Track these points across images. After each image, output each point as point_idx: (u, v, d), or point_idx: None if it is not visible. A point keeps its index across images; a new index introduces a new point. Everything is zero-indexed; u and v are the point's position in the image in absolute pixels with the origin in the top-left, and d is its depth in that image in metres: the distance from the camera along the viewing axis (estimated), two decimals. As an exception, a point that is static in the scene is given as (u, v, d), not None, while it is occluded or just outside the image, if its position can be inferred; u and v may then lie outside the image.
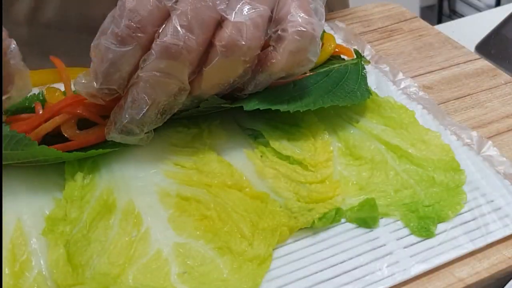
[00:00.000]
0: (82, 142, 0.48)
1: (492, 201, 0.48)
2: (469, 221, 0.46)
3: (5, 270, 0.41)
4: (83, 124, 0.49)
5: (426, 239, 0.45)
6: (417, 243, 0.45)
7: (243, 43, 0.45)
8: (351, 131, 0.53)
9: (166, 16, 0.44)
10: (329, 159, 0.50)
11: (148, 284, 0.41)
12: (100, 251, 0.42)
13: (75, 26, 0.68)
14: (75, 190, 0.46)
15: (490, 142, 0.53)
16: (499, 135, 0.55)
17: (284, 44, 0.46)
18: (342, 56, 0.60)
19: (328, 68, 0.55)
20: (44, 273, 0.41)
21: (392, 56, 0.66)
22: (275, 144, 0.50)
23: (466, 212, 0.47)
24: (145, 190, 0.46)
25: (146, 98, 0.45)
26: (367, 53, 0.65)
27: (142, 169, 0.48)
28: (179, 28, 0.43)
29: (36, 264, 0.42)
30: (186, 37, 0.43)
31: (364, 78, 0.56)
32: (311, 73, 0.54)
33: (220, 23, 0.45)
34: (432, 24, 0.73)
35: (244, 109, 0.50)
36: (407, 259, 0.43)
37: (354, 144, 0.51)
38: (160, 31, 0.44)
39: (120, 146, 0.48)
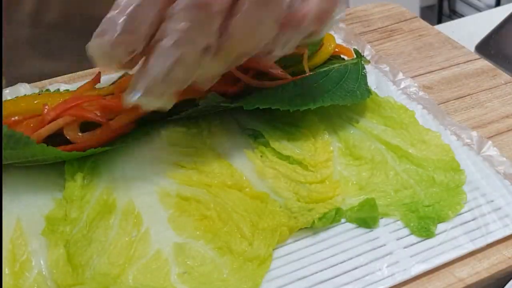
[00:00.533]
0: (84, 145, 0.48)
1: (492, 201, 0.48)
2: (469, 221, 0.46)
3: (5, 270, 0.41)
4: (84, 126, 0.49)
5: (426, 239, 0.45)
6: (417, 243, 0.45)
7: None
8: (351, 131, 0.53)
9: None
10: (329, 159, 0.50)
11: (148, 284, 0.41)
12: (100, 251, 0.42)
13: (78, 27, 0.68)
14: (75, 190, 0.46)
15: (490, 142, 0.53)
16: (499, 135, 0.55)
17: None
18: (342, 56, 0.59)
19: (328, 68, 0.55)
20: (44, 273, 0.41)
21: (392, 56, 0.66)
22: (275, 144, 0.50)
23: (466, 212, 0.47)
24: (145, 190, 0.46)
25: (172, 53, 0.41)
26: (367, 53, 0.65)
27: (142, 169, 0.48)
28: None
29: (36, 264, 0.42)
30: None
31: (364, 77, 0.56)
32: (311, 73, 0.54)
33: None
34: (432, 24, 0.73)
35: (244, 109, 0.50)
36: (407, 259, 0.43)
37: (354, 144, 0.51)
38: None
39: (117, 145, 0.48)
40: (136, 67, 0.43)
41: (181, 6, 0.40)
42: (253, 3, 0.41)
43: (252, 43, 0.44)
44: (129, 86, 0.43)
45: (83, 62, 0.53)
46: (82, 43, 0.62)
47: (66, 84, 0.59)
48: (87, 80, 0.59)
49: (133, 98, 0.43)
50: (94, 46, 0.41)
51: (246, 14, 0.41)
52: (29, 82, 0.58)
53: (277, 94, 0.51)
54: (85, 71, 0.62)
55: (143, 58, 0.42)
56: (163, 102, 0.43)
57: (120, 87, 0.52)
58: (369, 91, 0.54)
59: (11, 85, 0.56)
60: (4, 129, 0.44)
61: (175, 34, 0.40)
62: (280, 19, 0.43)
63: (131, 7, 0.39)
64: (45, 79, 0.60)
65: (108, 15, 0.40)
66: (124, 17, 0.40)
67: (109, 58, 0.42)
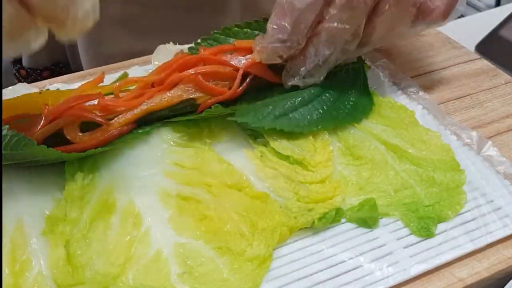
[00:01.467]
0: (84, 145, 0.48)
1: (492, 201, 0.48)
2: (469, 221, 0.46)
3: (5, 270, 0.41)
4: (84, 126, 0.49)
5: (426, 239, 0.45)
6: (417, 243, 0.45)
7: None
8: (351, 131, 0.53)
9: None
10: (329, 159, 0.50)
11: (148, 284, 0.41)
12: (100, 251, 0.42)
13: (170, 3, 0.69)
14: (75, 190, 0.46)
15: (490, 142, 0.53)
16: (499, 135, 0.55)
17: None
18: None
19: (329, 77, 0.55)
20: (44, 273, 0.41)
21: (392, 56, 0.66)
22: (275, 144, 0.50)
23: (466, 212, 0.47)
24: (145, 190, 0.46)
25: (328, 46, 0.51)
26: (367, 53, 0.65)
27: (142, 169, 0.48)
28: None
29: (36, 264, 0.42)
30: None
31: (366, 86, 0.56)
32: (314, 84, 0.55)
33: None
34: (432, 24, 0.73)
35: (250, 127, 0.50)
36: (407, 259, 0.43)
37: (354, 144, 0.51)
38: None
39: (119, 145, 0.48)
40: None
41: (337, 8, 0.49)
42: (393, 4, 0.50)
43: (390, 37, 0.54)
44: (286, 72, 0.53)
45: (172, 38, 0.56)
46: (172, 19, 0.64)
47: (66, 84, 0.59)
48: (86, 80, 0.59)
49: (292, 83, 0.53)
50: (264, 47, 0.51)
51: (388, 13, 0.51)
52: (118, 61, 0.61)
53: (281, 108, 0.52)
54: (86, 71, 0.62)
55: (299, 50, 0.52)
56: (316, 80, 0.53)
57: (120, 87, 0.52)
58: (371, 102, 0.54)
59: (97, 65, 0.61)
60: (4, 130, 0.44)
61: (331, 31, 0.50)
62: (413, 15, 0.53)
63: (297, 12, 0.49)
64: (135, 57, 0.61)
65: (275, 21, 0.50)
66: (291, 22, 0.49)
67: (273, 53, 0.51)
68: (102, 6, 0.43)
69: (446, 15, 0.53)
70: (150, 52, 0.60)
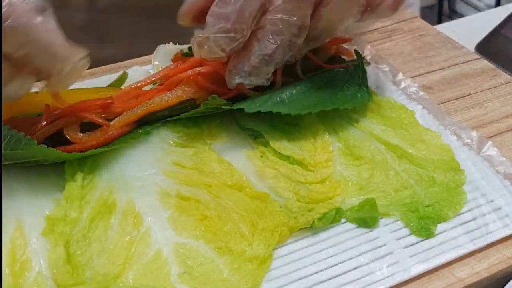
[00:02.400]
0: (84, 145, 0.48)
1: (492, 201, 0.48)
2: (469, 221, 0.46)
3: (5, 270, 0.41)
4: (84, 126, 0.49)
5: (426, 239, 0.45)
6: (417, 243, 0.45)
7: None
8: (351, 131, 0.53)
9: None
10: (329, 159, 0.50)
11: (148, 284, 0.41)
12: (100, 251, 0.42)
13: (133, 9, 0.68)
14: (75, 190, 0.46)
15: (490, 142, 0.53)
16: (499, 135, 0.55)
17: None
18: (342, 57, 0.59)
19: (328, 70, 0.55)
20: (44, 273, 0.41)
21: (392, 56, 0.66)
22: (275, 144, 0.50)
23: (466, 212, 0.47)
24: (145, 190, 0.46)
25: (273, 39, 0.48)
26: (367, 53, 0.65)
27: (142, 169, 0.48)
28: None
29: (36, 264, 0.42)
30: None
31: (365, 80, 0.56)
32: (312, 74, 0.54)
33: None
34: (432, 24, 0.73)
35: (245, 111, 0.50)
36: (407, 259, 0.43)
37: (354, 144, 0.51)
38: None
39: (119, 144, 0.48)
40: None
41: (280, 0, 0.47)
42: None
43: (337, 25, 0.51)
44: (229, 70, 0.49)
45: (137, 44, 0.55)
46: (136, 26, 0.63)
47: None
48: (86, 80, 0.59)
49: (236, 81, 0.49)
50: (205, 38, 0.47)
51: (335, 3, 0.48)
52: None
53: (278, 97, 0.51)
54: (86, 71, 0.61)
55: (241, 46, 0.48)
56: (262, 80, 0.50)
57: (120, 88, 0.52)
58: (369, 94, 0.54)
59: None
60: (5, 129, 0.44)
61: (275, 23, 0.47)
62: (362, 6, 0.50)
63: (241, 2, 0.46)
64: (102, 64, 0.61)
65: (217, 10, 0.47)
66: (235, 9, 0.46)
67: (215, 46, 0.47)
68: (67, 13, 0.44)
69: (395, 7, 0.51)
70: (116, 58, 0.60)
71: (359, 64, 0.57)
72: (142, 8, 0.68)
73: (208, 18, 0.47)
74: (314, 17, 0.49)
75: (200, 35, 0.48)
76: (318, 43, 0.52)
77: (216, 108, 0.51)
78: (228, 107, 0.50)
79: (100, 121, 0.49)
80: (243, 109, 0.50)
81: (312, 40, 0.51)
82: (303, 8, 0.48)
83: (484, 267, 0.43)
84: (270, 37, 0.48)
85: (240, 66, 0.49)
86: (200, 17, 0.48)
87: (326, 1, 0.48)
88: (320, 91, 0.53)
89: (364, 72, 0.56)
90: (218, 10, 0.47)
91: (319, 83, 0.54)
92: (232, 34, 0.47)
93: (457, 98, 0.59)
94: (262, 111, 0.50)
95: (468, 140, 0.53)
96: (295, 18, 0.47)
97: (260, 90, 0.52)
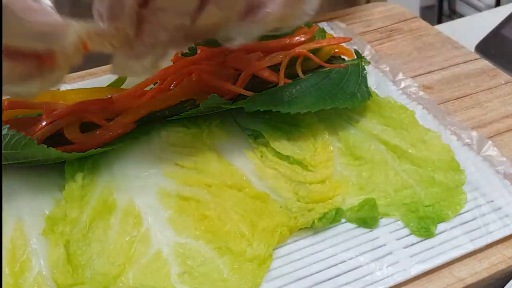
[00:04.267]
0: (84, 146, 0.48)
1: (492, 201, 0.48)
2: (469, 221, 0.46)
3: (5, 270, 0.41)
4: (84, 126, 0.49)
5: (426, 239, 0.45)
6: (417, 243, 0.45)
7: None
8: (351, 131, 0.53)
9: None
10: (329, 159, 0.50)
11: (148, 284, 0.41)
12: (100, 251, 0.42)
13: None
14: (75, 190, 0.46)
15: (490, 142, 0.53)
16: (499, 135, 0.55)
17: None
18: (342, 57, 0.59)
19: (328, 69, 0.55)
20: (44, 273, 0.41)
21: (392, 56, 0.66)
22: (275, 144, 0.50)
23: (466, 212, 0.47)
24: (145, 190, 0.46)
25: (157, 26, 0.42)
26: (367, 53, 0.65)
27: (142, 169, 0.48)
28: None
29: (36, 264, 0.42)
30: None
31: (365, 79, 0.56)
32: (311, 74, 0.54)
33: None
34: (432, 24, 0.73)
35: (245, 110, 0.50)
36: (407, 259, 0.43)
37: (354, 144, 0.51)
38: None
39: (119, 144, 0.49)
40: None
41: None
42: None
43: (218, 30, 0.45)
44: (112, 65, 0.44)
45: (103, 59, 0.53)
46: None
47: (66, 84, 0.59)
48: (86, 80, 0.59)
49: (115, 70, 0.45)
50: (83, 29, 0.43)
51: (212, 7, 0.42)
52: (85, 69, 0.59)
53: (278, 96, 0.51)
54: (85, 71, 0.62)
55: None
56: (144, 68, 0.45)
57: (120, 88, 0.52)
58: (369, 93, 0.54)
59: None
60: (5, 129, 0.44)
61: (156, 15, 0.42)
62: (241, 11, 0.43)
63: None
64: (100, 66, 0.60)
65: (95, 7, 0.42)
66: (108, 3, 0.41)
67: (103, 41, 0.43)
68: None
69: (282, 19, 0.44)
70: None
71: (359, 63, 0.57)
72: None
73: (95, 17, 0.42)
74: (200, 11, 0.42)
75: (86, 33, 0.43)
76: (201, 39, 0.47)
77: (216, 108, 0.51)
78: (228, 106, 0.50)
79: (100, 121, 0.49)
80: (242, 108, 0.50)
81: (198, 37, 0.45)
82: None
83: (484, 267, 0.43)
84: (153, 28, 0.42)
85: (119, 57, 0.44)
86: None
87: None
88: (319, 90, 0.53)
89: (364, 71, 0.56)
90: (96, 6, 0.42)
91: (319, 82, 0.54)
92: (112, 31, 0.42)
93: (457, 98, 0.59)
94: (261, 110, 0.50)
95: (468, 140, 0.53)
96: (174, 11, 0.42)
97: (259, 90, 0.52)
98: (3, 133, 0.44)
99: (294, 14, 0.45)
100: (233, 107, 0.50)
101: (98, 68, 0.62)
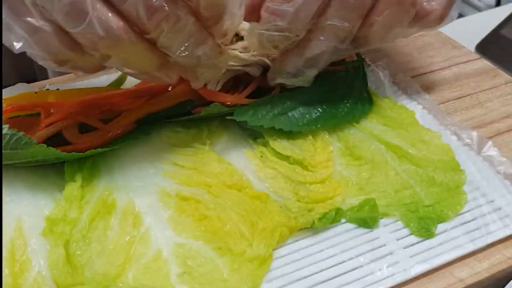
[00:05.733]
0: (83, 146, 0.48)
1: (492, 201, 0.48)
2: (469, 221, 0.46)
3: (5, 270, 0.41)
4: (84, 127, 0.49)
5: (426, 239, 0.45)
6: (417, 243, 0.45)
7: None
8: (351, 131, 0.53)
9: None
10: (329, 159, 0.50)
11: (148, 284, 0.41)
12: (100, 251, 0.42)
13: None
14: (74, 190, 0.46)
15: (490, 142, 0.53)
16: (499, 135, 0.55)
17: None
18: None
19: (329, 74, 0.55)
20: (44, 273, 0.41)
21: (392, 56, 0.66)
22: (275, 144, 0.50)
23: (466, 212, 0.47)
24: (145, 190, 0.46)
25: (323, 43, 0.48)
26: (367, 53, 0.65)
27: (142, 169, 0.48)
28: None
29: (36, 264, 0.42)
30: None
31: (365, 84, 0.56)
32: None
33: None
34: (432, 24, 0.72)
35: (248, 125, 0.50)
36: (407, 259, 0.43)
37: (354, 144, 0.51)
38: None
39: (119, 145, 0.48)
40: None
41: (336, 5, 0.47)
42: (394, 3, 0.48)
43: (387, 37, 0.51)
44: (274, 69, 0.51)
45: None
46: None
47: (66, 84, 0.59)
48: (86, 80, 0.59)
49: (278, 80, 0.51)
50: (260, 34, 0.48)
51: (388, 13, 0.48)
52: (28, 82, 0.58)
53: (280, 108, 0.51)
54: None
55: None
56: (304, 83, 0.52)
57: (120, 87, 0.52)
58: (370, 101, 0.54)
59: (10, 85, 0.57)
60: (5, 128, 0.44)
61: (327, 29, 0.48)
62: (411, 16, 0.50)
63: (300, 2, 0.46)
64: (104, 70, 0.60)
65: (272, 7, 0.46)
66: (294, 9, 0.46)
67: (268, 42, 0.48)
68: None
69: (441, 19, 0.51)
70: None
71: (360, 67, 0.57)
72: None
73: (263, 14, 0.47)
74: (364, 25, 0.49)
75: (256, 29, 0.48)
76: (363, 49, 0.53)
77: (217, 113, 0.51)
78: (231, 117, 0.50)
79: (97, 124, 0.49)
80: (246, 122, 0.50)
81: (358, 46, 0.52)
82: (356, 16, 0.48)
83: (484, 267, 0.43)
84: (320, 41, 0.48)
85: (285, 66, 0.51)
86: (251, 14, 0.48)
87: (378, 10, 0.48)
88: (321, 104, 0.53)
89: (365, 75, 0.56)
90: (275, 7, 0.46)
91: (320, 91, 0.54)
92: (287, 34, 0.47)
93: (457, 98, 0.59)
94: (265, 127, 0.50)
95: (468, 140, 0.53)
96: (346, 25, 0.48)
97: (260, 95, 0.52)
98: (3, 133, 0.44)
99: (449, 10, 0.52)
100: (237, 119, 0.50)
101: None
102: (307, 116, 0.52)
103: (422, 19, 0.51)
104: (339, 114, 0.53)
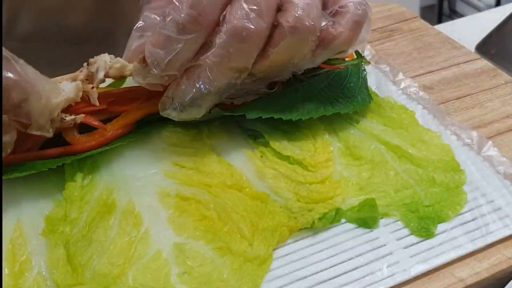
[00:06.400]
0: (83, 146, 0.48)
1: (492, 201, 0.48)
2: (469, 221, 0.46)
3: (5, 270, 0.41)
4: (84, 127, 0.49)
5: (426, 239, 0.45)
6: (417, 243, 0.45)
7: (311, 22, 0.45)
8: (351, 131, 0.53)
9: (229, 1, 0.44)
10: (329, 159, 0.50)
11: (148, 285, 0.41)
12: (100, 251, 0.42)
13: (52, 37, 0.67)
14: (75, 190, 0.46)
15: (490, 142, 0.53)
16: (499, 135, 0.55)
17: (347, 17, 0.48)
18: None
19: (328, 70, 0.55)
20: (44, 273, 0.41)
21: (392, 56, 0.66)
22: (275, 144, 0.50)
23: (466, 212, 0.47)
24: (145, 190, 0.46)
25: (209, 82, 0.45)
26: (367, 53, 0.65)
27: (142, 169, 0.48)
28: (249, 12, 0.43)
29: (36, 264, 0.42)
30: (256, 21, 0.43)
31: (365, 81, 0.56)
32: (312, 75, 0.54)
33: (279, 5, 0.45)
34: (432, 24, 0.73)
35: (247, 118, 0.50)
36: (407, 259, 0.43)
37: (354, 144, 0.51)
38: (225, 14, 0.44)
39: (118, 144, 0.48)
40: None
41: (223, 38, 0.43)
42: (292, 34, 0.45)
43: (287, 65, 0.48)
44: (163, 98, 0.47)
45: (57, 72, 0.54)
46: (57, 53, 0.59)
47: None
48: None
49: (166, 113, 0.47)
50: (140, 77, 0.47)
51: (284, 44, 0.45)
52: None
53: (279, 102, 0.51)
54: (68, 75, 0.61)
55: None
56: (197, 113, 0.47)
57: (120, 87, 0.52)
58: (370, 96, 0.54)
59: None
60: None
61: (211, 69, 0.44)
62: (313, 46, 0.47)
63: (175, 47, 0.43)
64: None
65: (151, 50, 0.44)
66: (168, 56, 0.44)
67: (153, 86, 0.47)
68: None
69: (350, 41, 0.49)
70: None
71: (359, 64, 0.57)
72: (60, 35, 0.67)
73: (146, 53, 0.45)
74: (261, 57, 0.46)
75: (136, 76, 0.47)
76: (267, 80, 0.50)
77: (217, 115, 0.51)
78: (229, 114, 0.50)
79: (96, 123, 0.49)
80: (244, 115, 0.50)
81: (259, 79, 0.49)
82: (247, 51, 0.44)
83: (484, 267, 0.43)
84: (205, 80, 0.45)
85: (171, 97, 0.47)
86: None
87: (273, 42, 0.45)
88: (320, 95, 0.53)
89: (364, 72, 0.56)
90: (152, 49, 0.44)
91: (320, 86, 0.54)
92: (165, 79, 0.45)
93: (457, 98, 0.59)
94: (263, 117, 0.50)
95: (468, 140, 0.53)
96: (234, 64, 0.44)
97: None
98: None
99: (357, 35, 0.49)
100: (235, 114, 0.50)
101: (78, 71, 0.61)
102: (307, 106, 0.52)
103: (329, 44, 0.48)
104: (339, 104, 0.53)
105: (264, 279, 0.42)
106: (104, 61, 0.50)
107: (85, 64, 0.50)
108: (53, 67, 0.56)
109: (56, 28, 0.67)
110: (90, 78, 0.50)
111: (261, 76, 0.49)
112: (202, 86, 0.45)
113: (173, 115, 0.47)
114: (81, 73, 0.50)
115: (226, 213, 0.45)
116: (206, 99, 0.46)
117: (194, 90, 0.45)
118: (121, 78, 0.51)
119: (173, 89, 0.47)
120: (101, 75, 0.49)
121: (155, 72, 0.44)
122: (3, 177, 0.45)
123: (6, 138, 0.43)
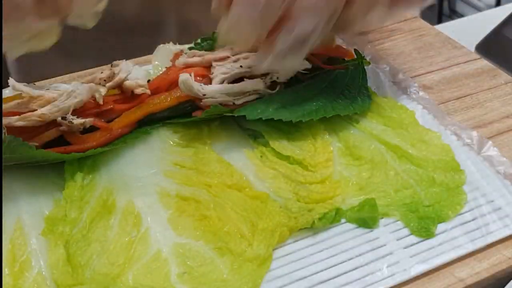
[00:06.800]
0: (83, 146, 0.48)
1: (492, 201, 0.48)
2: (469, 221, 0.46)
3: (5, 270, 0.41)
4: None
5: (426, 239, 0.45)
6: (417, 243, 0.45)
7: None
8: (351, 131, 0.53)
9: None
10: (329, 159, 0.50)
11: (148, 284, 0.41)
12: (100, 251, 0.42)
13: (102, 26, 0.68)
14: (75, 190, 0.46)
15: (490, 142, 0.52)
16: (499, 135, 0.55)
17: None
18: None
19: (328, 70, 0.55)
20: (44, 273, 0.41)
21: (392, 56, 0.66)
22: (275, 144, 0.50)
23: (466, 212, 0.47)
24: (145, 190, 0.46)
25: (311, 18, 0.46)
26: (367, 53, 0.65)
27: (142, 169, 0.48)
28: None
29: (36, 264, 0.42)
30: None
31: (365, 82, 0.56)
32: (312, 76, 0.54)
33: None
34: (432, 24, 0.73)
35: (247, 119, 0.50)
36: (407, 259, 0.43)
37: (354, 144, 0.51)
38: None
39: (119, 145, 0.49)
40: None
41: None
42: None
43: (368, 19, 0.50)
44: (260, 53, 0.49)
45: (106, 61, 0.54)
46: (106, 42, 0.60)
47: (66, 85, 0.58)
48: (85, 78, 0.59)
49: (269, 61, 0.48)
50: (235, 23, 0.47)
51: None
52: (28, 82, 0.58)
53: (280, 102, 0.51)
54: (85, 71, 0.61)
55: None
56: (297, 62, 0.50)
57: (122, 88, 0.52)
58: (370, 97, 0.54)
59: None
60: (4, 135, 0.44)
61: (311, 7, 0.46)
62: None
63: None
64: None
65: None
66: None
67: (251, 33, 0.47)
68: None
69: None
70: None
71: (359, 64, 0.57)
72: (112, 25, 0.68)
73: (233, 7, 0.46)
74: (346, 4, 0.48)
75: (226, 23, 0.47)
76: (345, 31, 0.52)
77: (217, 114, 0.51)
78: (229, 114, 0.50)
79: (98, 124, 0.49)
80: (244, 116, 0.50)
81: (340, 28, 0.51)
82: None
83: (484, 267, 0.43)
84: (307, 17, 0.46)
85: (272, 48, 0.48)
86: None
87: None
88: (320, 96, 0.53)
89: (364, 73, 0.56)
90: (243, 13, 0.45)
91: (320, 87, 0.54)
92: (266, 17, 0.46)
93: (457, 98, 0.59)
94: (263, 118, 0.50)
95: (468, 140, 0.53)
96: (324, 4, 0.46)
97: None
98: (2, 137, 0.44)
99: None
100: (235, 115, 0.50)
101: (98, 68, 0.61)
102: (307, 107, 0.52)
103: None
104: (339, 105, 0.53)
105: (264, 279, 0.42)
106: (127, 66, 0.51)
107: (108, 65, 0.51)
108: (98, 57, 0.57)
109: (109, 17, 0.67)
110: (108, 79, 0.51)
111: (343, 23, 0.49)
112: (305, 23, 0.46)
113: (274, 67, 0.49)
114: (102, 74, 0.51)
115: (226, 213, 0.45)
116: (308, 39, 0.47)
117: (299, 29, 0.46)
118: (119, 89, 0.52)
119: (271, 39, 0.47)
120: (122, 75, 0.50)
121: (251, 13, 0.45)
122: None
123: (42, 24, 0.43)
